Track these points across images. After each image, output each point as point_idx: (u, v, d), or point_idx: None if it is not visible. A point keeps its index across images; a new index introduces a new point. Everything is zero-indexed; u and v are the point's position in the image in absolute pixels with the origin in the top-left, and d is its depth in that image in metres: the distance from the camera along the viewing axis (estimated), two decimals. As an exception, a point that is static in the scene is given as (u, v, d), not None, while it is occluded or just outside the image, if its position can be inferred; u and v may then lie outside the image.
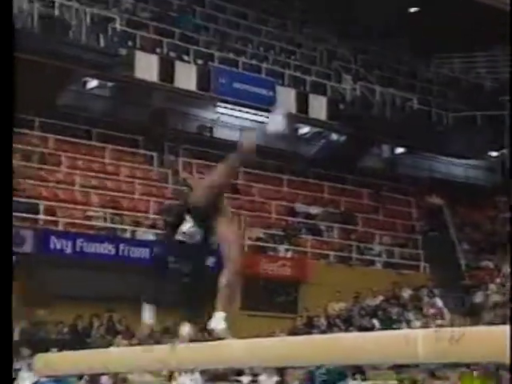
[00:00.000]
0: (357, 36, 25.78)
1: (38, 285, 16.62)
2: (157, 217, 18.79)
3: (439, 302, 20.23)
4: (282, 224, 21.81)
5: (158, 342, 6.41)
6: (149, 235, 18.63)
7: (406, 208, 25.00)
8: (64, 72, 19.46)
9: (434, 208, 24.27)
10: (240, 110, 22.47)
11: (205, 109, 22.65)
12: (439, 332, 4.01)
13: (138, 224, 19.01)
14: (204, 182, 5.88)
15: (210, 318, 5.26)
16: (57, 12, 19.20)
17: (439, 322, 18.70)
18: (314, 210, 22.81)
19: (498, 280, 21.21)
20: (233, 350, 5.13)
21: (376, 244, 22.99)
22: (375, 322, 19.00)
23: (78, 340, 15.60)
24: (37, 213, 17.78)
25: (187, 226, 5.52)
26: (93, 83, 20.99)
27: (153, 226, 18.75)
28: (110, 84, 21.26)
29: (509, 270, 19.92)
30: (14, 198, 17.85)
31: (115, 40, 20.07)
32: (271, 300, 20.29)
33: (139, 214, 19.27)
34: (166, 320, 11.53)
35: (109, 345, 13.41)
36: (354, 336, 4.94)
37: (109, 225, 18.66)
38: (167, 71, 20.56)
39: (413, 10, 25.42)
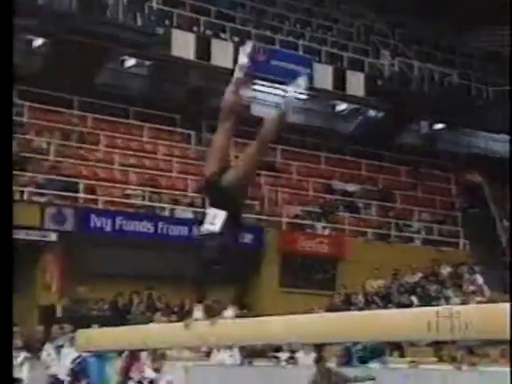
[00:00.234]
0: (394, 10, 25.45)
1: (79, 263, 16.85)
2: (195, 195, 18.89)
3: (479, 279, 20.04)
4: (319, 201, 21.78)
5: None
6: (187, 213, 18.74)
7: (445, 184, 24.77)
8: (102, 51, 19.58)
9: (474, 185, 24.00)
10: (277, 88, 22.39)
11: (245, 88, 22.58)
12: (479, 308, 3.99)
13: (176, 202, 19.11)
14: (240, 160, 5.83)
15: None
16: (94, -9, 19.29)
17: (479, 299, 18.56)
18: (352, 187, 22.73)
19: (539, 256, 20.92)
20: (271, 327, 5.16)
21: (415, 221, 22.86)
22: (414, 299, 18.91)
23: (119, 317, 15.81)
24: (77, 191, 17.98)
25: (212, 213, 5.42)
26: (130, 62, 21.10)
27: (191, 205, 18.86)
28: (147, 62, 21.35)
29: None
30: (55, 177, 18.15)
31: (152, 19, 20.11)
32: (309, 277, 20.33)
33: (177, 193, 19.38)
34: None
35: (148, 322, 13.57)
36: (391, 312, 4.93)
37: (147, 203, 18.81)
38: (204, 49, 20.57)
39: (452, -18, 25.00)
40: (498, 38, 27.13)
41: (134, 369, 6.65)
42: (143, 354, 9.98)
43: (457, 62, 25.80)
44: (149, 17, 20.03)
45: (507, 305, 3.97)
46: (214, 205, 5.50)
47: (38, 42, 19.62)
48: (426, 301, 18.34)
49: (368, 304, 18.30)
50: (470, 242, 22.79)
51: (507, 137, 26.05)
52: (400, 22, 25.84)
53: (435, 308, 4.29)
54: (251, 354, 13.80)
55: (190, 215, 18.57)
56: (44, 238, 16.60)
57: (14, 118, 18.58)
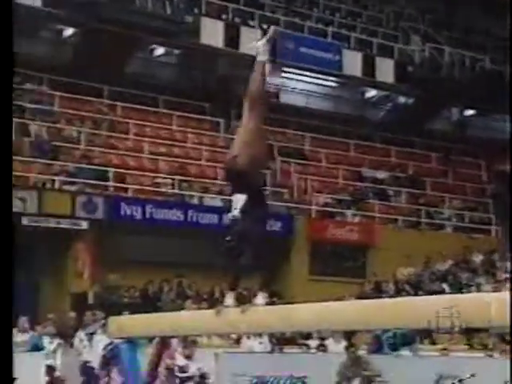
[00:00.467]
0: (424, -5, 25.23)
1: (110, 250, 16.99)
2: (224, 183, 18.91)
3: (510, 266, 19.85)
4: (349, 189, 21.70)
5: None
6: (217, 201, 18.78)
7: (476, 171, 24.55)
8: (131, 40, 19.66)
9: (505, 173, 23.73)
10: (306, 75, 22.31)
11: (270, 74, 22.55)
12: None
13: (205, 190, 19.17)
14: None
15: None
16: (123, -20, 19.35)
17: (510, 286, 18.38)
18: (381, 174, 22.61)
19: None
20: (301, 314, 5.16)
21: (446, 208, 22.70)
22: (445, 286, 18.80)
23: (149, 304, 15.91)
24: (107, 180, 18.11)
25: (235, 199, 5.35)
26: (160, 50, 21.16)
27: (220, 193, 18.89)
28: (176, 51, 21.38)
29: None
30: (86, 166, 18.28)
31: (181, 7, 20.13)
32: (339, 265, 20.29)
33: (207, 181, 19.43)
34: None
35: (179, 309, 13.64)
36: (422, 299, 4.90)
37: (177, 191, 18.88)
38: (233, 37, 20.54)
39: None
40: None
41: (165, 356, 6.70)
42: (174, 341, 10.04)
43: (489, 47, 25.47)
44: (177, 5, 20.04)
45: None
46: (235, 190, 5.45)
47: (69, 31, 19.74)
48: (458, 288, 18.22)
49: (398, 292, 18.21)
50: (501, 229, 22.57)
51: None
52: (430, 7, 25.58)
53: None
54: (281, 341, 13.81)
55: (219, 203, 18.61)
56: (75, 227, 16.75)
57: (44, 107, 18.79)
